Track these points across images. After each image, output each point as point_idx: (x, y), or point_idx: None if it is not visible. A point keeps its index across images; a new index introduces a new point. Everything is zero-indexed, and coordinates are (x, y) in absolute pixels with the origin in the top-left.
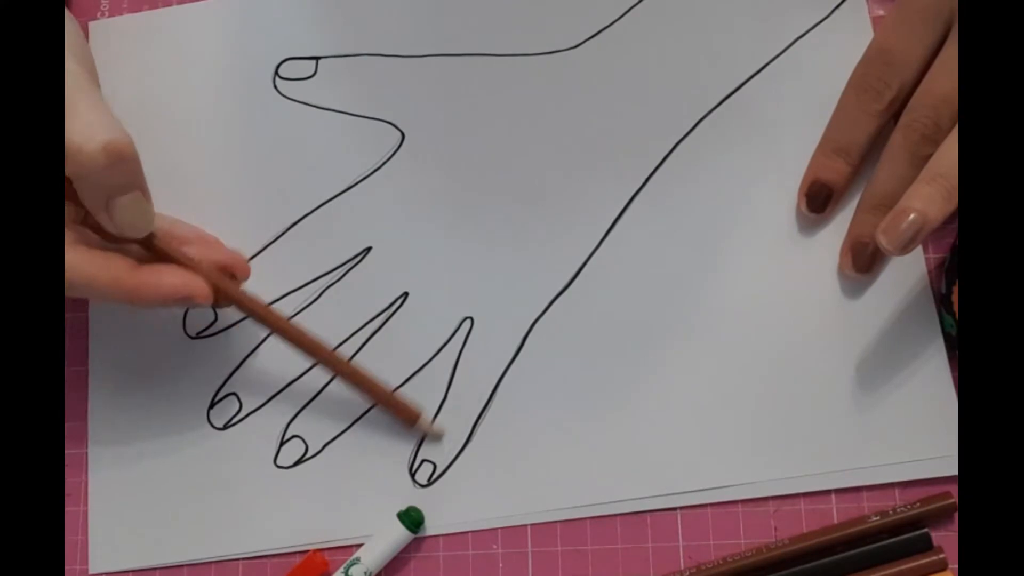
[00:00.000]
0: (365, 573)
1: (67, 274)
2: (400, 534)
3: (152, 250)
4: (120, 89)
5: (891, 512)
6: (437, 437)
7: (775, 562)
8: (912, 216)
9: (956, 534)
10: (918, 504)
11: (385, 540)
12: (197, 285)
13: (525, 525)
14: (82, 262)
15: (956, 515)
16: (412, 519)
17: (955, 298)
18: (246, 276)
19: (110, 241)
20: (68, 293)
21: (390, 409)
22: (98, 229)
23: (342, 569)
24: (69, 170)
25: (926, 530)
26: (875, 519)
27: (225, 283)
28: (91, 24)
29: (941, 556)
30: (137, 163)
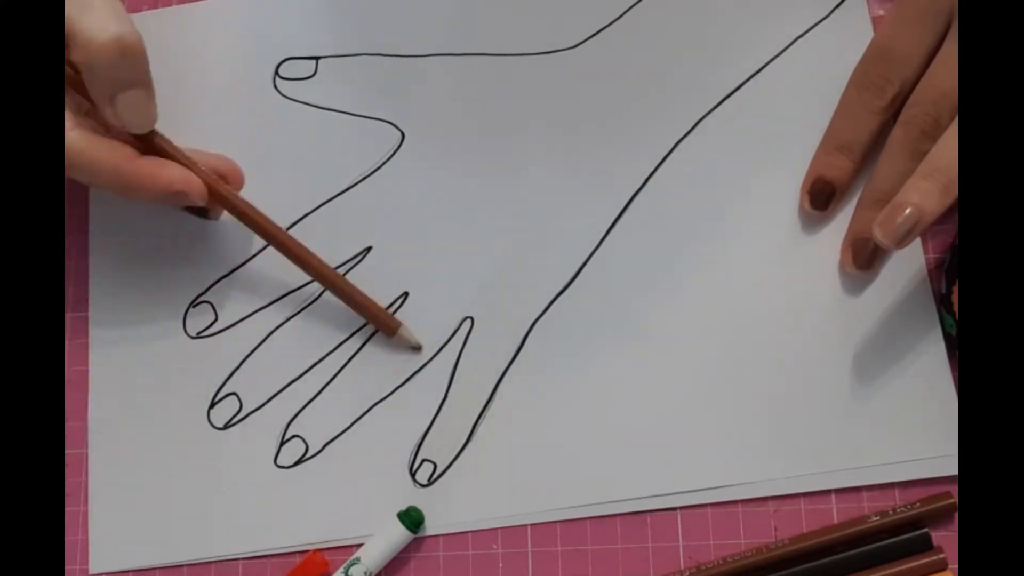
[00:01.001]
0: (365, 573)
1: (70, 154)
2: (400, 534)
3: (152, 149)
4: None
5: (891, 512)
6: (417, 348)
7: (775, 562)
8: (908, 210)
9: (956, 534)
10: (918, 504)
11: (385, 540)
12: (194, 181)
13: (525, 525)
14: (86, 144)
15: (956, 515)
16: (412, 519)
17: (955, 298)
18: (240, 183)
19: (112, 137)
20: (69, 173)
21: (371, 320)
22: (102, 125)
23: (342, 569)
24: (79, 59)
25: (926, 530)
26: (875, 519)
27: (221, 185)
28: None
29: (941, 556)
30: (144, 60)
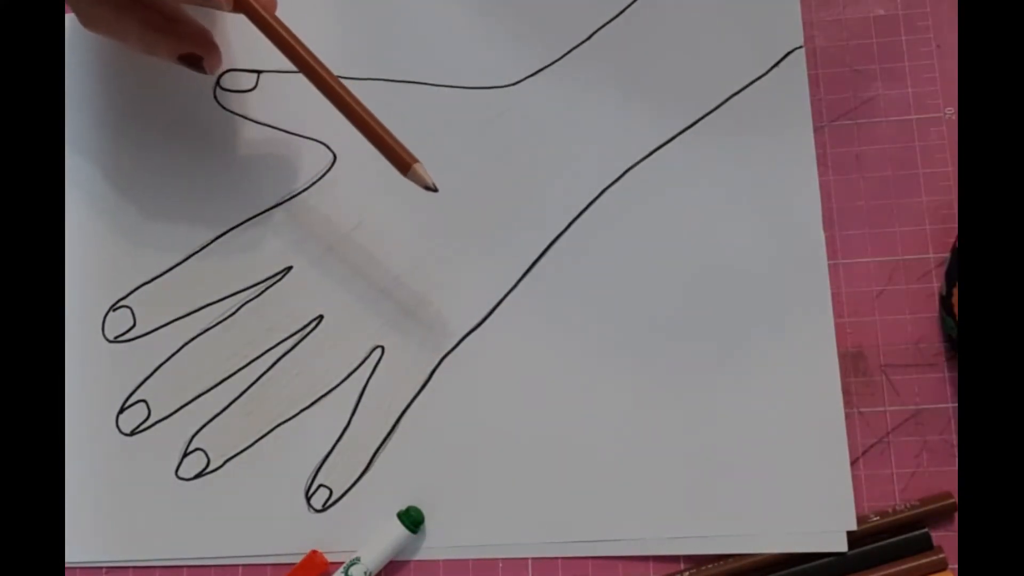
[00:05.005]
0: (365, 573)
1: None
2: (399, 534)
3: None
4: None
5: (891, 512)
6: (431, 188)
7: (775, 562)
8: None
9: (956, 534)
10: (918, 504)
11: (385, 540)
12: None
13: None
14: None
15: (956, 515)
16: (412, 519)
17: (955, 300)
18: (272, 7)
19: None
20: None
21: (384, 152)
22: None
23: (342, 569)
24: None
25: (926, 530)
26: (875, 519)
27: None
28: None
29: (941, 556)
30: None
